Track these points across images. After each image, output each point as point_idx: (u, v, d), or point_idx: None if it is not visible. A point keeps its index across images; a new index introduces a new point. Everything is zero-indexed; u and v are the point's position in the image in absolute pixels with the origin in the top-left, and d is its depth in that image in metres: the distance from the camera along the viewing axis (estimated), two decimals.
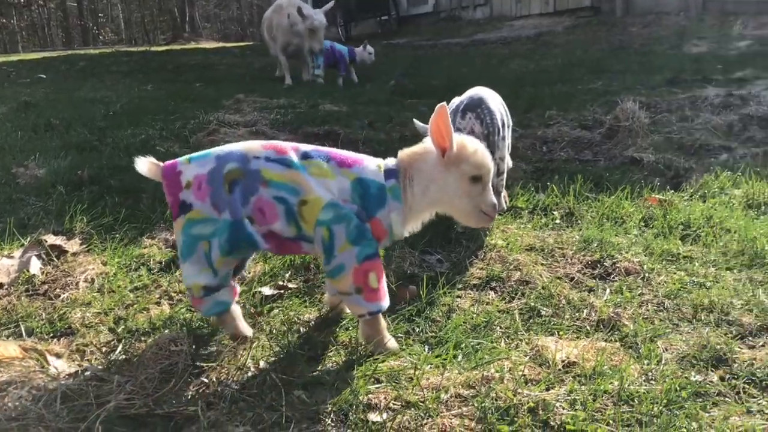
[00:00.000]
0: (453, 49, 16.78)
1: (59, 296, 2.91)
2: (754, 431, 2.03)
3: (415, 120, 3.49)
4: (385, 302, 2.43)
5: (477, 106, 3.58)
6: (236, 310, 2.57)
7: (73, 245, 3.41)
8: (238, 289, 2.67)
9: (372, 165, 2.43)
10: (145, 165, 2.42)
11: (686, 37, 13.39)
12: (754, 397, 2.27)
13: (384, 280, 2.45)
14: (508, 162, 4.10)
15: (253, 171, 2.30)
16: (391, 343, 2.49)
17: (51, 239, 3.41)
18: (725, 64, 9.97)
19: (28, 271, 3.11)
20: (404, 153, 2.47)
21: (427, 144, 2.45)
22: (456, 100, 3.79)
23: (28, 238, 3.45)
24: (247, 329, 2.58)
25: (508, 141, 3.88)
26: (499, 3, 19.79)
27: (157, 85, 10.81)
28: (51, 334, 2.60)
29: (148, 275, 3.15)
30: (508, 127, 3.81)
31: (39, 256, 3.25)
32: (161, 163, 2.41)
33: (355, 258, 2.32)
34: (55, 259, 3.27)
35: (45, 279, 3.09)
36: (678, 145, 5.91)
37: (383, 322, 2.50)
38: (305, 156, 2.37)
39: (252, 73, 13.44)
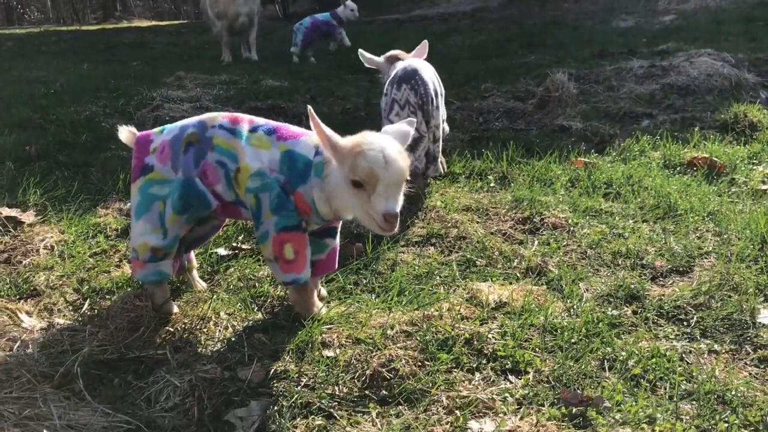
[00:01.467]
0: (391, 24, 16.94)
1: (21, 262, 3.03)
2: (658, 351, 2.35)
3: (361, 51, 4.00)
4: (303, 275, 2.46)
5: (411, 77, 3.80)
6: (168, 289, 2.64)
7: (28, 216, 3.52)
8: (194, 260, 2.87)
9: (309, 141, 2.48)
10: (125, 133, 2.60)
11: (615, 12, 13.91)
12: (661, 326, 2.60)
13: (306, 252, 2.48)
14: (445, 128, 4.37)
15: (208, 138, 2.47)
16: (315, 308, 2.57)
17: (6, 211, 3.51)
18: (650, 37, 10.46)
19: None
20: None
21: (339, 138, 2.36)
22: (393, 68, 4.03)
23: None
24: (173, 307, 2.63)
25: (443, 109, 4.12)
26: None
27: (93, 64, 10.68)
28: (17, 296, 2.74)
29: (106, 241, 3.30)
30: (441, 95, 4.05)
31: None
32: (137, 132, 2.59)
33: (274, 227, 2.41)
34: (12, 229, 3.38)
35: (4, 248, 3.20)
36: (604, 113, 6.28)
37: (311, 292, 2.58)
38: (254, 129, 2.51)
39: (189, 51, 13.36)
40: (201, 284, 2.87)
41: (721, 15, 12.04)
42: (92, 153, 4.75)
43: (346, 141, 2.29)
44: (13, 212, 3.52)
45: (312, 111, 2.26)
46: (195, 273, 2.86)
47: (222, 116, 2.54)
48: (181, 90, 6.86)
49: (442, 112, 4.14)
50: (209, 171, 2.45)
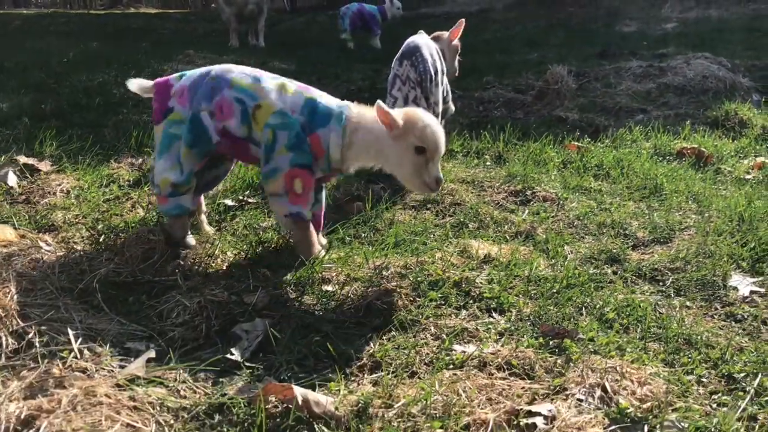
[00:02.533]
0: (398, 21, 17.13)
1: (39, 202, 3.20)
2: (633, 301, 2.53)
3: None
4: (307, 210, 2.67)
5: (412, 54, 3.98)
6: (187, 223, 2.84)
7: (45, 165, 3.69)
8: (203, 205, 3.05)
9: (331, 99, 2.73)
10: (135, 84, 2.78)
11: (618, 18, 14.11)
12: (638, 284, 2.78)
13: (310, 193, 2.68)
14: (450, 107, 4.56)
15: (227, 79, 2.65)
16: (316, 249, 2.76)
17: (23, 159, 3.68)
18: (651, 41, 10.66)
19: (6, 183, 3.38)
20: (357, 109, 2.67)
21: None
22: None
23: (2, 158, 3.70)
24: (192, 240, 2.83)
25: (444, 86, 4.29)
26: None
27: (102, 43, 10.82)
28: (36, 230, 2.91)
29: (119, 190, 3.47)
30: (442, 72, 4.21)
31: (14, 173, 3.52)
32: (151, 82, 2.77)
33: (288, 162, 2.61)
34: (29, 176, 3.55)
35: (22, 191, 3.37)
36: (601, 107, 6.47)
37: (313, 233, 2.76)
38: (275, 78, 2.73)
39: (197, 38, 13.51)
40: (208, 228, 3.04)
41: (722, 24, 12.24)
42: (105, 115, 4.93)
43: (399, 115, 2.53)
44: (30, 160, 3.69)
45: (380, 104, 2.49)
46: (204, 217, 3.04)
47: (242, 67, 2.73)
48: (191, 65, 7.02)
49: (445, 89, 4.32)
50: (225, 106, 2.63)
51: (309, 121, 2.63)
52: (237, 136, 2.66)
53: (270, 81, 2.68)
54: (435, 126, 2.55)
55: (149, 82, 2.76)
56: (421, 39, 4.14)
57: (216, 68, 2.72)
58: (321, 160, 2.66)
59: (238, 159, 2.94)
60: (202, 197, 3.03)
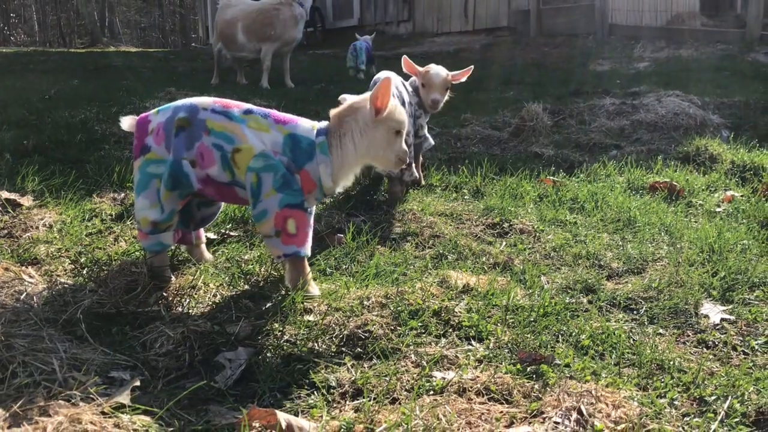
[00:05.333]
0: (377, 60, 17.39)
1: (21, 236, 3.22)
2: (608, 329, 2.59)
3: None
4: (304, 249, 2.68)
5: None
6: (166, 258, 2.88)
7: (27, 200, 3.71)
8: (203, 236, 3.11)
9: (306, 125, 2.75)
10: (127, 122, 2.84)
11: (592, 57, 14.44)
12: (612, 313, 2.85)
13: (307, 230, 2.72)
14: (429, 140, 4.68)
15: (200, 120, 2.67)
16: (314, 289, 2.76)
17: (5, 194, 3.70)
18: (624, 80, 10.93)
19: None
20: (334, 113, 2.79)
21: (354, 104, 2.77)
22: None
23: None
24: (170, 275, 2.83)
25: (418, 119, 4.41)
26: (422, 20, 20.56)
27: (83, 81, 10.87)
28: (19, 263, 2.92)
29: (102, 224, 3.50)
30: (410, 104, 4.32)
31: None
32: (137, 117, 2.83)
33: (278, 204, 2.62)
34: (11, 210, 3.57)
35: (4, 225, 3.39)
36: (575, 143, 6.61)
37: (308, 270, 2.78)
38: (247, 112, 2.73)
39: (177, 75, 13.61)
40: (209, 256, 3.08)
41: (692, 64, 12.59)
42: (87, 151, 4.97)
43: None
44: (12, 195, 3.71)
45: (389, 80, 2.69)
46: (203, 247, 3.09)
47: (214, 101, 2.75)
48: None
49: (419, 123, 4.44)
50: (205, 154, 2.65)
51: (294, 159, 2.66)
52: (221, 182, 2.70)
53: (241, 117, 2.69)
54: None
55: (135, 119, 2.81)
56: (386, 74, 4.27)
57: (184, 107, 2.71)
58: (315, 192, 2.71)
59: (226, 202, 2.98)
60: (202, 230, 3.08)
